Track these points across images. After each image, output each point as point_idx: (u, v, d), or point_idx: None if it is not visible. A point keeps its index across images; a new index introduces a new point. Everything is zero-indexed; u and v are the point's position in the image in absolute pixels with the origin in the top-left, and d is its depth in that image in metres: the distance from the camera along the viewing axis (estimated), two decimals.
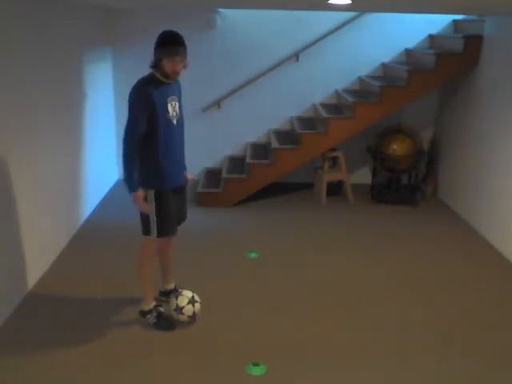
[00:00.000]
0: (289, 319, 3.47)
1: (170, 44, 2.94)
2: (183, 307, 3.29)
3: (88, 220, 5.02)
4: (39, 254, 3.85)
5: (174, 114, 3.12)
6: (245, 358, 3.02)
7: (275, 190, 6.00)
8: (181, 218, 3.40)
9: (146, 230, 3.21)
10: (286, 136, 5.89)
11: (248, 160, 5.61)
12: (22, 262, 3.58)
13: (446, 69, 5.24)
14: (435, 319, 3.52)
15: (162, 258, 3.52)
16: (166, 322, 3.32)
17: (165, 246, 3.48)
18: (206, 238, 4.73)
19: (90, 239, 4.61)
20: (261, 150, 6.01)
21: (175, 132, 3.16)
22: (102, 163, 5.68)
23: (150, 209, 3.14)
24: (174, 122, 3.13)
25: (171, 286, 3.63)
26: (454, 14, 5.55)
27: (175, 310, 3.31)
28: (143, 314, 3.35)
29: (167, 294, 3.60)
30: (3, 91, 3.24)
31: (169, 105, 3.07)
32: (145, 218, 3.19)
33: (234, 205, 5.54)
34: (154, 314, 3.32)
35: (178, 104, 3.17)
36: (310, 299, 3.73)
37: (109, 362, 2.98)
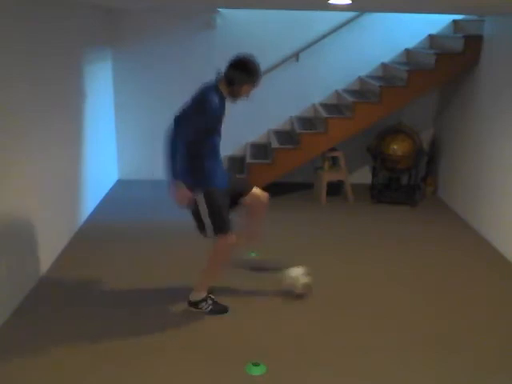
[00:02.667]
0: (289, 319, 3.47)
1: (259, 78, 3.27)
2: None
3: (88, 220, 5.02)
4: (39, 254, 3.85)
5: (222, 125, 3.40)
6: (245, 358, 3.02)
7: (275, 190, 5.99)
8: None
9: (223, 228, 3.33)
10: (286, 136, 5.89)
11: (248, 160, 5.61)
12: (22, 262, 3.58)
13: (446, 69, 5.25)
14: (435, 319, 3.52)
15: (253, 218, 3.71)
16: (220, 307, 3.50)
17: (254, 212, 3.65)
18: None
19: (90, 239, 4.61)
20: (261, 149, 6.01)
21: (220, 141, 3.47)
22: (102, 163, 5.68)
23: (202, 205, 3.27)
24: (221, 132, 3.41)
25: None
26: (454, 13, 5.55)
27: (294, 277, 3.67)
28: (195, 304, 3.48)
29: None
30: (2, 91, 3.24)
31: (222, 117, 3.34)
32: (219, 216, 3.29)
33: None
34: (210, 302, 3.49)
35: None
36: (310, 299, 3.73)
37: (107, 362, 2.98)
